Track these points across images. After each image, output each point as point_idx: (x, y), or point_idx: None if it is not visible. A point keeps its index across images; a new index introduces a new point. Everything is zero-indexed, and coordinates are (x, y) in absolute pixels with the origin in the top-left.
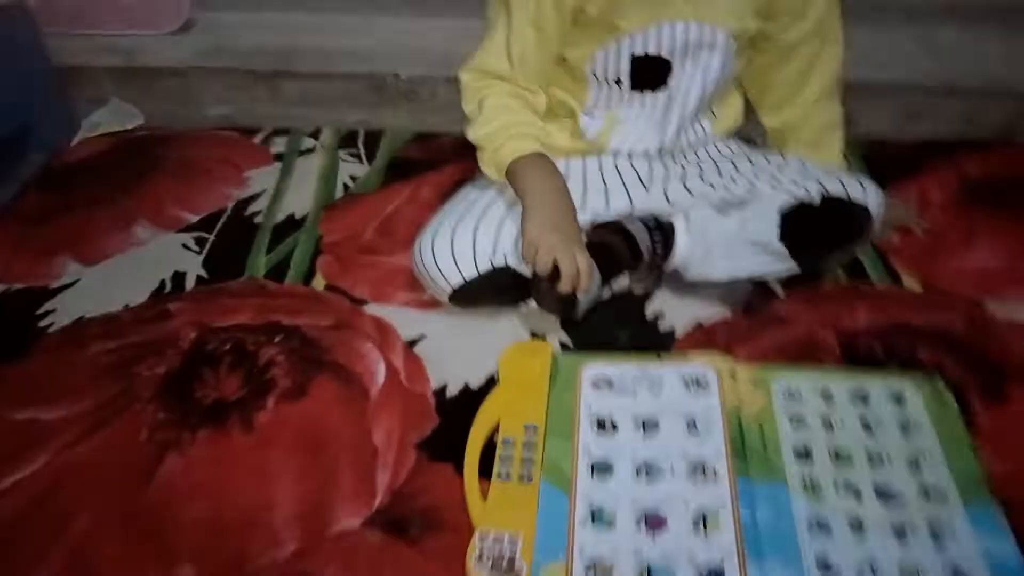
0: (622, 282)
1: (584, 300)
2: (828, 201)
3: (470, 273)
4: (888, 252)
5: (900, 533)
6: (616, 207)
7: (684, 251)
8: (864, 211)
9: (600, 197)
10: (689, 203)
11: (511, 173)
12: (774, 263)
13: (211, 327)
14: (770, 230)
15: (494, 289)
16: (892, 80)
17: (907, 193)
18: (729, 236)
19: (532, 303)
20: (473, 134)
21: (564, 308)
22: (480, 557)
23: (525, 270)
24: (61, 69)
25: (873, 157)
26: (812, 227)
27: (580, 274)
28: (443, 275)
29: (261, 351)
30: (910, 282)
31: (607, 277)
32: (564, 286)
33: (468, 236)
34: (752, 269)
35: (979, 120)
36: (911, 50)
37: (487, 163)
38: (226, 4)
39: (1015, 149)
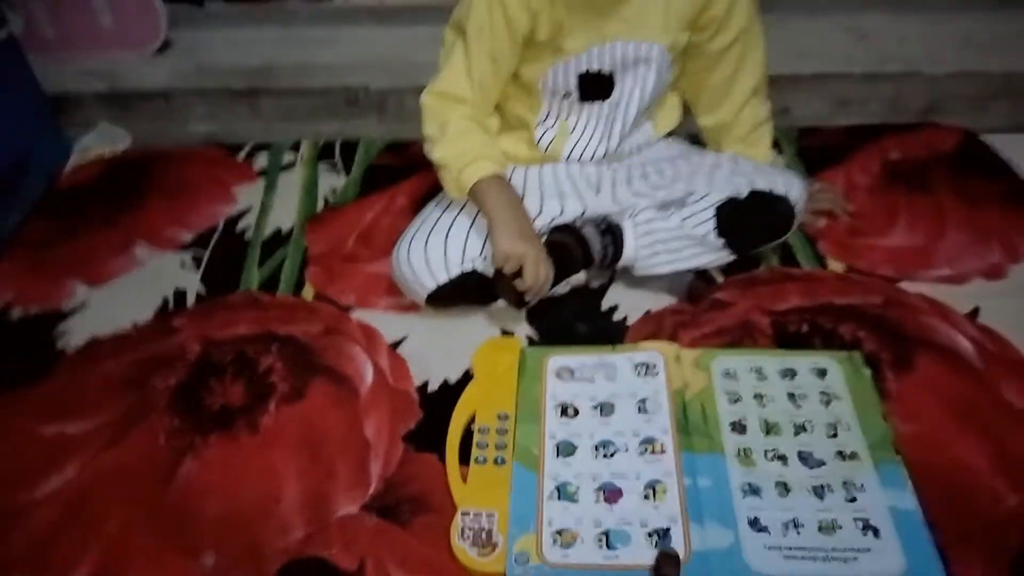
0: (579, 278)
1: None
2: (755, 195)
3: (442, 278)
4: (816, 238)
5: (819, 492)
6: (570, 211)
7: (632, 252)
8: (786, 201)
9: (555, 202)
10: (634, 204)
11: (473, 192)
12: (712, 254)
13: (214, 339)
14: (707, 225)
15: (465, 291)
16: (822, 70)
17: (835, 179)
18: (671, 234)
19: (499, 302)
20: (435, 154)
21: (521, 301)
22: (462, 533)
23: (489, 272)
24: (50, 96)
25: (805, 145)
26: (743, 219)
27: (540, 278)
28: (419, 280)
29: (261, 359)
30: (834, 264)
31: (562, 274)
32: (528, 292)
33: (440, 244)
34: (693, 262)
35: (903, 104)
36: (839, 39)
37: (449, 183)
38: (201, 22)
39: (934, 130)
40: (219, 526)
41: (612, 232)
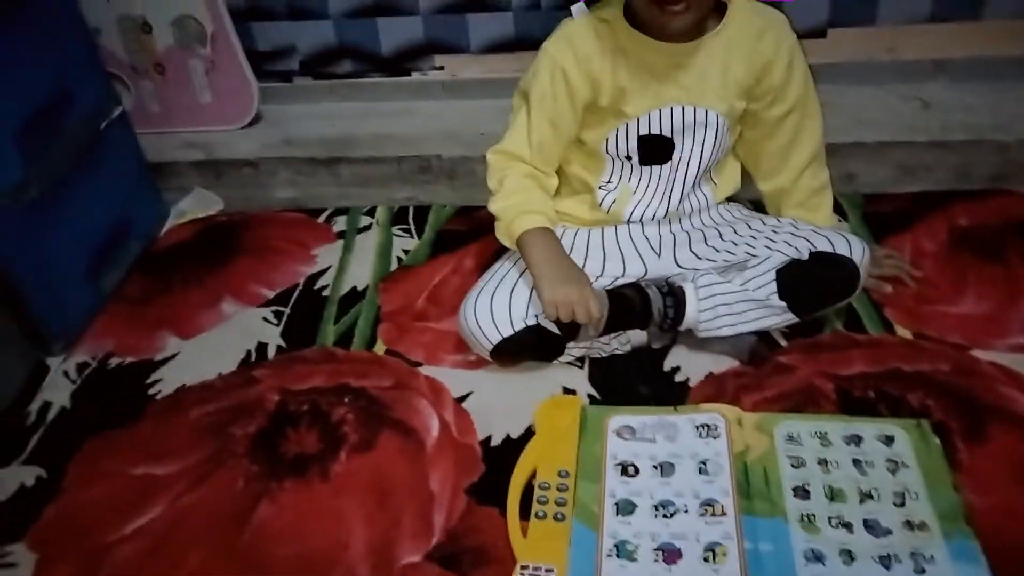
0: (641, 338)
1: (597, 333)
2: (816, 256)
3: (507, 331)
4: (882, 303)
5: (886, 563)
6: (632, 272)
7: (694, 314)
8: (850, 262)
9: (618, 264)
10: (696, 266)
11: (521, 242)
12: (774, 316)
13: (291, 390)
14: (768, 288)
15: (529, 345)
16: (886, 138)
17: (901, 245)
18: (734, 297)
19: (563, 357)
20: (493, 206)
21: (583, 338)
22: None
23: (552, 327)
24: (151, 164)
25: (870, 212)
26: (805, 281)
27: (594, 315)
28: (484, 334)
29: (334, 411)
30: (902, 331)
31: (621, 319)
32: (586, 329)
33: (505, 300)
34: (755, 324)
35: (970, 172)
36: (903, 108)
37: (502, 232)
38: (289, 97)
39: (1003, 197)
40: (290, 568)
41: (674, 293)
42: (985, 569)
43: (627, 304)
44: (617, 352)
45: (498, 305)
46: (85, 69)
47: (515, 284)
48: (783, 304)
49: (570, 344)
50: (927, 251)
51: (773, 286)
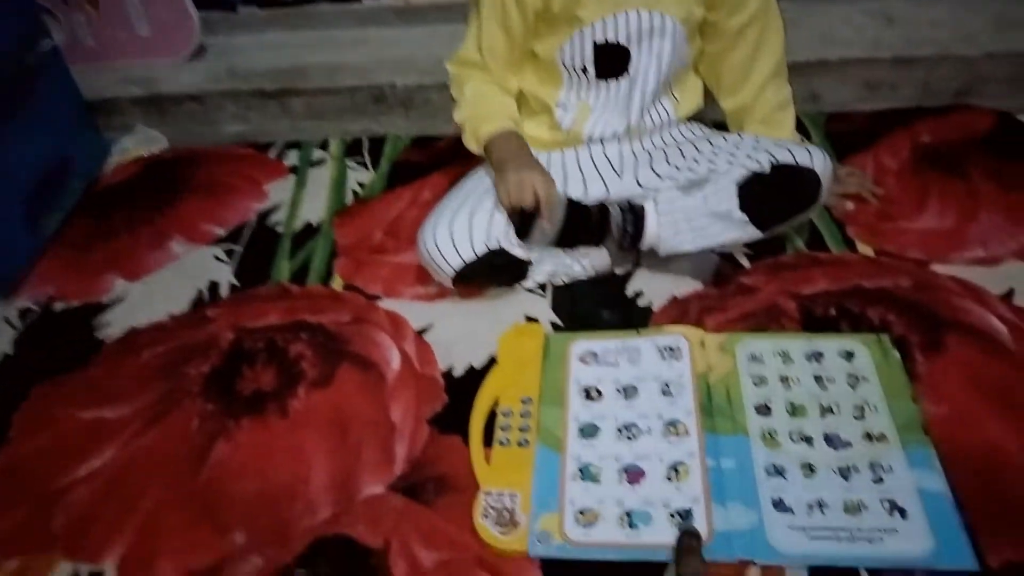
0: (604, 262)
1: (552, 231)
2: (778, 168)
3: (468, 255)
4: (844, 221)
5: (845, 474)
6: (593, 193)
7: (654, 229)
8: (811, 172)
9: (579, 185)
10: (658, 186)
11: (488, 147)
12: (736, 231)
13: (246, 328)
14: (730, 201)
15: (491, 270)
16: (850, 55)
17: (864, 163)
18: (694, 212)
19: (527, 282)
20: (457, 116)
21: (538, 237)
22: (485, 512)
23: (514, 246)
24: (89, 102)
25: (833, 131)
26: (767, 194)
27: (546, 194)
28: (445, 260)
29: (291, 347)
30: (864, 248)
31: (578, 233)
32: (541, 227)
33: (465, 224)
34: (717, 239)
35: (935, 88)
36: (867, 24)
37: (469, 139)
38: (234, 28)
39: (966, 113)
40: (249, 506)
41: (634, 210)
42: (940, 474)
43: (585, 215)
44: (580, 278)
45: (458, 229)
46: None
47: (475, 208)
48: (745, 217)
49: (533, 258)
50: (889, 168)
51: (735, 200)
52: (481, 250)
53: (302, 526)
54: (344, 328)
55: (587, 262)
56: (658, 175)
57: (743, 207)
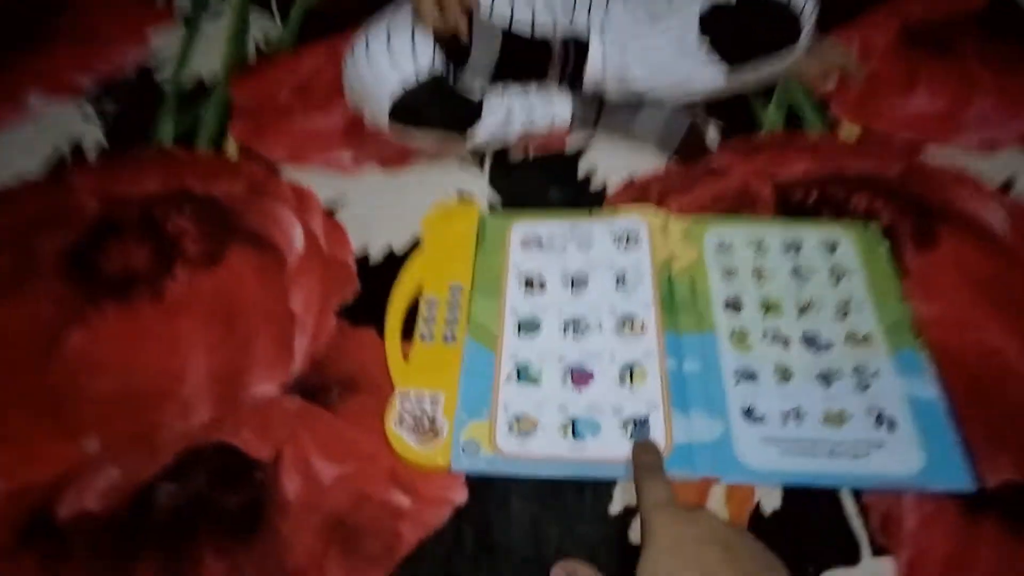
0: (564, 112)
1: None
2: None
3: (409, 79)
4: (826, 98)
5: (826, 379)
6: (520, 17)
7: (598, 63)
8: (788, 9)
9: (505, 6)
10: (606, 17)
11: None
12: (699, 69)
13: (116, 198)
14: (690, 33)
15: (438, 104)
16: None
17: (848, 39)
18: (648, 43)
19: (479, 132)
20: None
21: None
22: (400, 419)
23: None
24: None
25: None
26: (733, 24)
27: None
28: (380, 82)
29: (170, 221)
30: (848, 129)
31: (513, 66)
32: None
33: (406, 38)
34: (676, 76)
35: None
36: None
37: None
38: None
39: None
40: (107, 407)
41: (577, 40)
42: (932, 381)
43: (520, 43)
44: (539, 130)
45: (399, 45)
46: None
47: (414, 24)
48: (707, 49)
49: (486, 98)
50: (876, 46)
51: (695, 29)
52: (425, 72)
53: (172, 432)
54: (238, 201)
55: (546, 110)
56: (611, 13)
57: (708, 38)
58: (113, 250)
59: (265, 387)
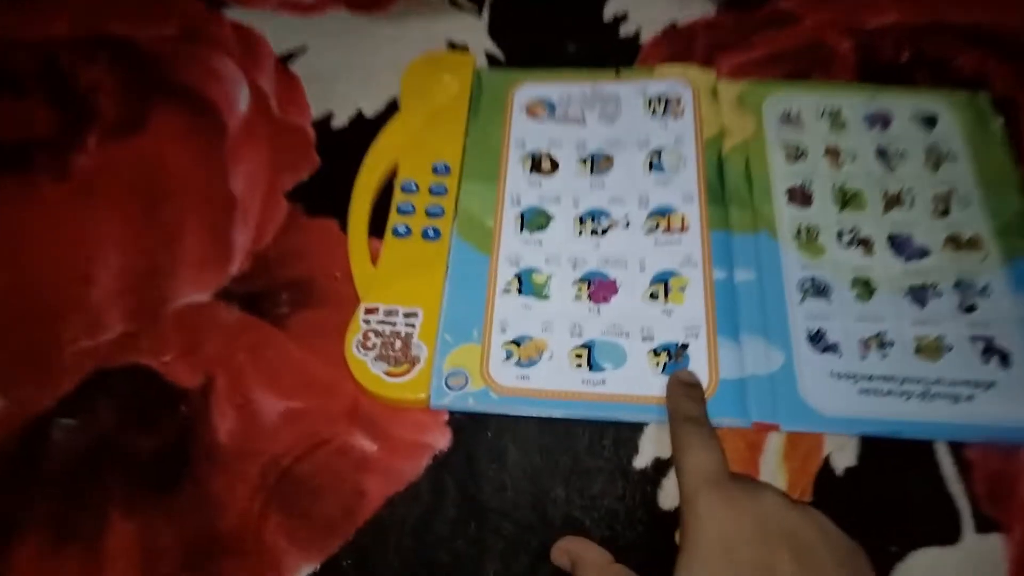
0: None
1: None
2: None
3: None
4: None
5: (919, 295)
6: None
7: None
8: None
9: None
10: None
11: None
12: None
13: (10, 41)
14: None
15: None
16: None
17: None
18: None
19: None
20: None
21: None
22: (365, 340)
23: None
24: None
25: None
26: None
27: None
28: None
29: (81, 72)
30: None
31: None
32: None
33: None
34: None
35: None
36: None
37: None
38: None
39: None
40: None
41: None
42: None
43: None
44: None
45: None
46: None
47: None
48: None
49: None
50: None
51: None
52: None
53: (75, 351)
54: (167, 47)
55: None
56: None
57: None
58: (7, 110)
59: (194, 294)
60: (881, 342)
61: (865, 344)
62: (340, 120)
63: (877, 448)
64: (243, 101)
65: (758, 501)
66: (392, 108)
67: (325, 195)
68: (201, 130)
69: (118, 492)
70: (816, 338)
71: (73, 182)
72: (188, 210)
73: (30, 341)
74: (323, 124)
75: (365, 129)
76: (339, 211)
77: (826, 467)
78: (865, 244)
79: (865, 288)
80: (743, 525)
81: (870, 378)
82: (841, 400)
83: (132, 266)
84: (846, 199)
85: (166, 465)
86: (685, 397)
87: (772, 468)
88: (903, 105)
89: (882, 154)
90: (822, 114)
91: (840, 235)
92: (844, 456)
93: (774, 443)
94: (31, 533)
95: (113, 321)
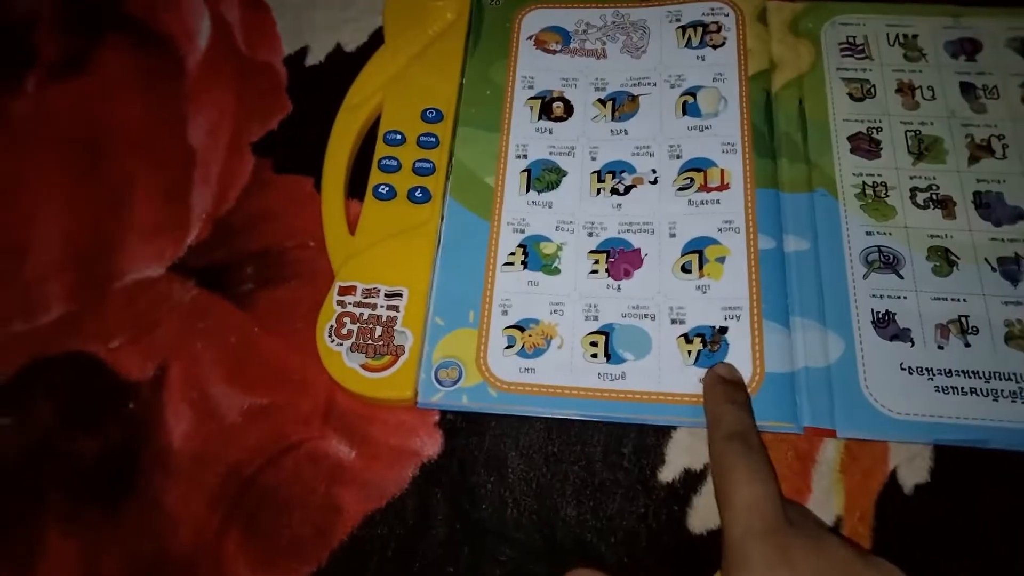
0: None
1: None
2: None
3: None
4: None
5: (1010, 268)
6: None
7: None
8: None
9: None
10: None
11: None
12: None
13: None
14: None
15: None
16: None
17: None
18: None
19: None
20: None
21: None
22: (338, 327)
23: None
24: None
25: None
26: None
27: None
28: None
29: (16, 4)
30: None
31: None
32: None
33: None
34: None
35: None
36: None
37: None
38: None
39: None
40: None
41: None
42: None
43: None
44: None
45: None
46: None
47: None
48: None
49: None
50: None
51: None
52: None
53: (5, 335)
54: None
55: None
56: None
57: None
58: None
59: (148, 267)
60: (963, 327)
61: (943, 330)
62: (315, 56)
63: (955, 460)
64: (203, 34)
65: (822, 555)
66: (376, 41)
67: (297, 147)
68: (154, 70)
69: (56, 505)
70: (883, 322)
71: (6, 132)
72: (139, 166)
73: None
74: (295, 61)
75: (344, 66)
76: (313, 167)
77: (892, 484)
78: (945, 204)
79: (944, 259)
80: None
81: (949, 372)
82: (912, 400)
83: (74, 233)
84: (922, 148)
85: (112, 473)
86: (729, 403)
87: (826, 484)
88: (995, 28)
89: (967, 90)
90: (894, 41)
91: (914, 193)
92: (914, 470)
93: (829, 452)
94: None
95: (51, 300)
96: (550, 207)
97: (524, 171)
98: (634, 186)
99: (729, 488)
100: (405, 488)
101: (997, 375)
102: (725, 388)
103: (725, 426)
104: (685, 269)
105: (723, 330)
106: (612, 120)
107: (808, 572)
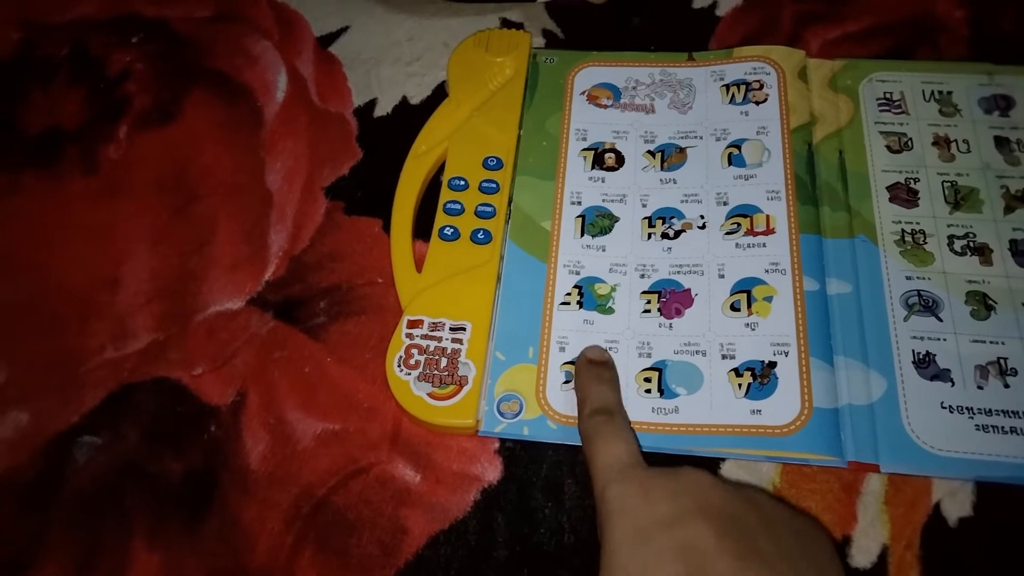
0: None
1: None
2: None
3: None
4: None
5: None
6: None
7: None
8: None
9: None
10: None
11: None
12: None
13: (39, 25)
14: None
15: None
16: None
17: None
18: None
19: None
20: None
21: None
22: (407, 358)
23: None
24: None
25: None
26: None
27: None
28: None
29: (112, 57)
30: None
31: None
32: None
33: None
34: None
35: None
36: None
37: None
38: None
39: None
40: (8, 323)
41: None
42: None
43: None
44: None
45: None
46: None
47: None
48: None
49: None
50: None
51: None
52: None
53: (98, 362)
54: (202, 29)
55: None
56: None
57: None
58: (35, 98)
59: (226, 301)
60: (1002, 369)
61: (983, 371)
62: (383, 108)
63: (997, 496)
64: (280, 88)
65: (675, 479)
66: (440, 94)
67: (366, 192)
68: (236, 120)
69: (142, 520)
70: (924, 362)
71: (101, 176)
72: (221, 208)
73: (54, 349)
74: (365, 112)
75: (410, 118)
76: (380, 209)
77: (936, 516)
78: (982, 251)
79: (982, 303)
80: (656, 508)
81: (989, 412)
82: (953, 437)
83: (161, 269)
84: (959, 197)
85: (193, 491)
86: (595, 380)
87: (871, 515)
88: None
89: (1002, 144)
90: (930, 97)
91: (952, 240)
92: (957, 504)
93: (874, 485)
94: (49, 564)
95: (140, 330)
96: (603, 250)
97: (579, 216)
98: (683, 231)
99: (592, 454)
100: (467, 511)
101: None
102: (593, 368)
103: (590, 403)
104: (734, 308)
105: (772, 364)
106: (661, 170)
107: (662, 493)
